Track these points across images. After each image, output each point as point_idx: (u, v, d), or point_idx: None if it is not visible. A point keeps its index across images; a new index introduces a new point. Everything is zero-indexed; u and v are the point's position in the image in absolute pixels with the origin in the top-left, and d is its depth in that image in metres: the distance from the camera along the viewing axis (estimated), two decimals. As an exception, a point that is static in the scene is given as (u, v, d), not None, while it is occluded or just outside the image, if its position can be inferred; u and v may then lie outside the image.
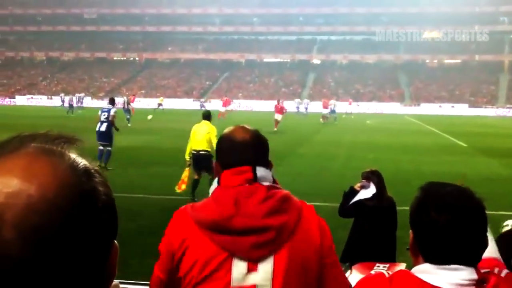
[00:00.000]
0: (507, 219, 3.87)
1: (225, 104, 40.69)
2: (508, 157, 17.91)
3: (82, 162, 0.66)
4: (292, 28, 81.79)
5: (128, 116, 29.66)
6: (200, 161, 10.07)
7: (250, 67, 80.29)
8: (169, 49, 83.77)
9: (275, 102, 31.95)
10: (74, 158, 0.65)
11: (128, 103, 31.48)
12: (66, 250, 0.59)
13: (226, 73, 79.51)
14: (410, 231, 1.60)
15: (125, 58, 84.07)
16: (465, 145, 22.46)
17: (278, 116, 28.66)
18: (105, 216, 0.67)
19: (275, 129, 27.02)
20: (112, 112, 13.98)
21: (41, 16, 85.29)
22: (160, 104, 48.84)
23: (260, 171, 1.88)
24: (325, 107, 39.54)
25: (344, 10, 78.89)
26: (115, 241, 0.72)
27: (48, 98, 66.27)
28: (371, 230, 5.20)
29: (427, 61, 79.56)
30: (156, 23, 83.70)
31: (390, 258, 4.91)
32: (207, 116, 10.72)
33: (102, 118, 13.93)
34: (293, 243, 1.79)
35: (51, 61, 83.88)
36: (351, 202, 5.23)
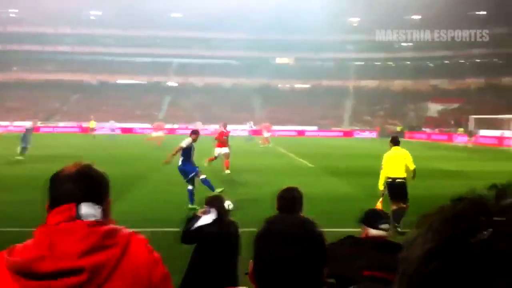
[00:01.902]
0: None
1: (157, 128, 37.96)
2: (351, 177, 18.84)
3: None
4: (148, 50, 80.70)
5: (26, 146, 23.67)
6: (397, 189, 9.70)
7: (104, 88, 77.65)
8: (14, 69, 78.21)
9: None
10: None
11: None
12: None
13: (77, 95, 76.11)
14: (251, 261, 1.52)
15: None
16: (312, 165, 23.35)
17: (221, 151, 18.68)
18: None
19: (227, 171, 18.34)
20: (182, 144, 12.26)
21: None
22: (93, 129, 45.24)
23: (85, 208, 1.74)
24: (268, 130, 39.84)
25: (201, 34, 79.79)
26: None
27: None
28: (211, 257, 5.04)
29: (280, 85, 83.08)
30: (1, 41, 77.84)
31: (231, 285, 4.76)
32: (397, 141, 10.50)
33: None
34: (114, 282, 1.64)
35: None
36: (192, 228, 5.14)
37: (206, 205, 5.24)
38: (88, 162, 1.88)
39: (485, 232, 0.51)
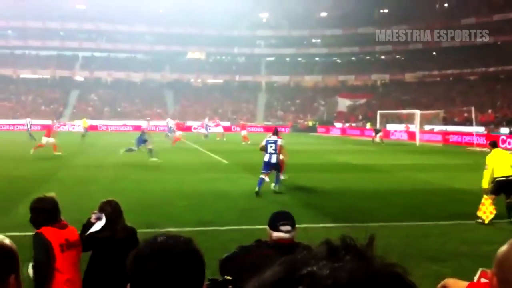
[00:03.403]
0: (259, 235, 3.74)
1: (179, 127, 36.53)
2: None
3: None
4: (52, 43, 76.64)
5: None
6: (509, 185, 10.81)
7: (4, 83, 72.97)
8: None
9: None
10: None
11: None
12: None
13: (-25, 90, 71.24)
14: (128, 284, 1.47)
15: None
16: (226, 162, 23.11)
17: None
18: None
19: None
20: (279, 143, 14.28)
21: None
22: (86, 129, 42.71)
23: None
24: (244, 128, 40.91)
25: (106, 27, 76.71)
26: None
27: None
28: (106, 264, 4.87)
29: (192, 80, 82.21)
30: None
31: None
32: (496, 144, 11.73)
33: (270, 150, 14.11)
34: None
35: None
36: (85, 236, 4.89)
37: (99, 210, 4.99)
38: None
39: None
